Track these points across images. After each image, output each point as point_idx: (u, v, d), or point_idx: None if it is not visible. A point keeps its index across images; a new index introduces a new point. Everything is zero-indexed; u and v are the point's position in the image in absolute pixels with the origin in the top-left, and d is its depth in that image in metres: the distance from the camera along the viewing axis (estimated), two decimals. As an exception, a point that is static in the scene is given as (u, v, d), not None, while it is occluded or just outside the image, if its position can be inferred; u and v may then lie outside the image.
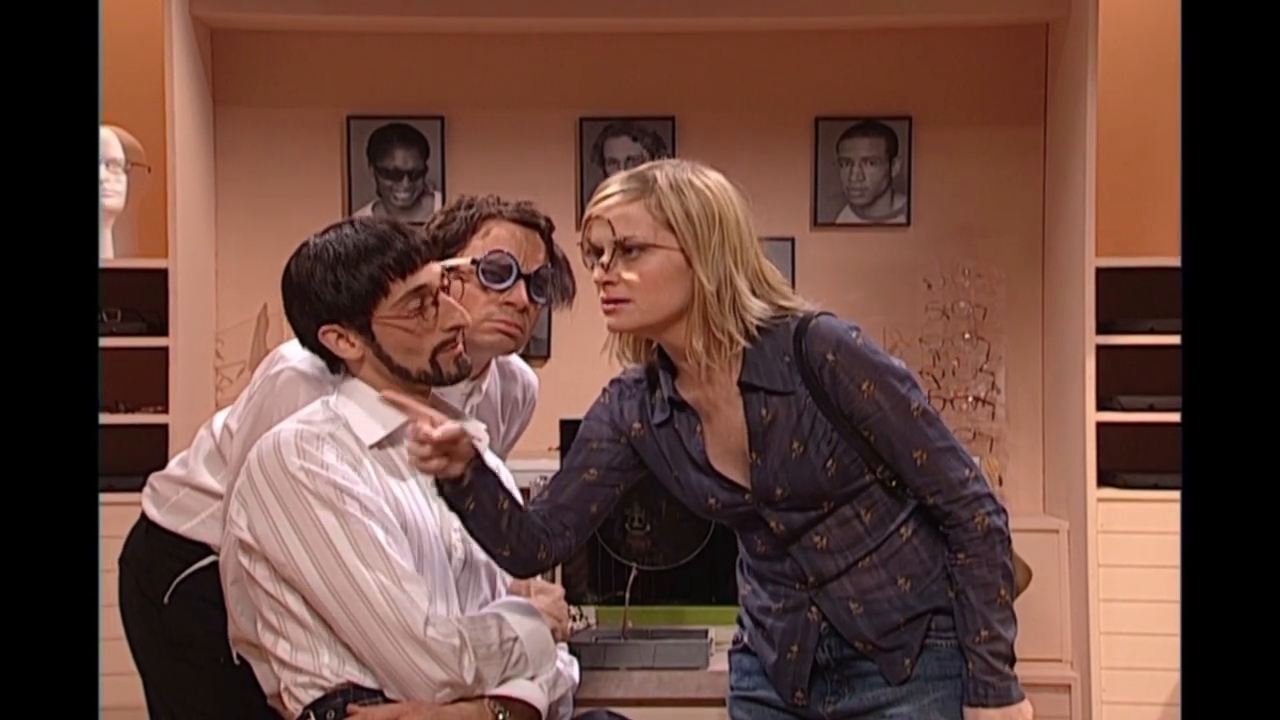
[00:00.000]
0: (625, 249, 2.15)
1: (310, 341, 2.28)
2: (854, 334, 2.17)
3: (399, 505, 2.20)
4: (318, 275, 2.21)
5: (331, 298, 2.21)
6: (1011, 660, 2.20)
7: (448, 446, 2.10)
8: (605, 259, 2.16)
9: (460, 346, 2.27)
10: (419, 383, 2.26)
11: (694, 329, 2.15)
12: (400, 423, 2.22)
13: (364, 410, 2.24)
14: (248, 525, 2.17)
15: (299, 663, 2.17)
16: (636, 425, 2.28)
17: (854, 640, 2.23)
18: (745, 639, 2.35)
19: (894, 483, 2.21)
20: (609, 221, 2.15)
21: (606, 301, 2.18)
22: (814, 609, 2.23)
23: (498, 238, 2.49)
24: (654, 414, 2.26)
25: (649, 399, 2.28)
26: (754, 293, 2.17)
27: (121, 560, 2.72)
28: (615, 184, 2.18)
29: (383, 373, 2.25)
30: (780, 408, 2.17)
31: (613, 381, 2.36)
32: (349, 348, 2.24)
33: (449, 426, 2.09)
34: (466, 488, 2.15)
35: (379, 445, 2.23)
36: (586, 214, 2.20)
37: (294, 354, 2.40)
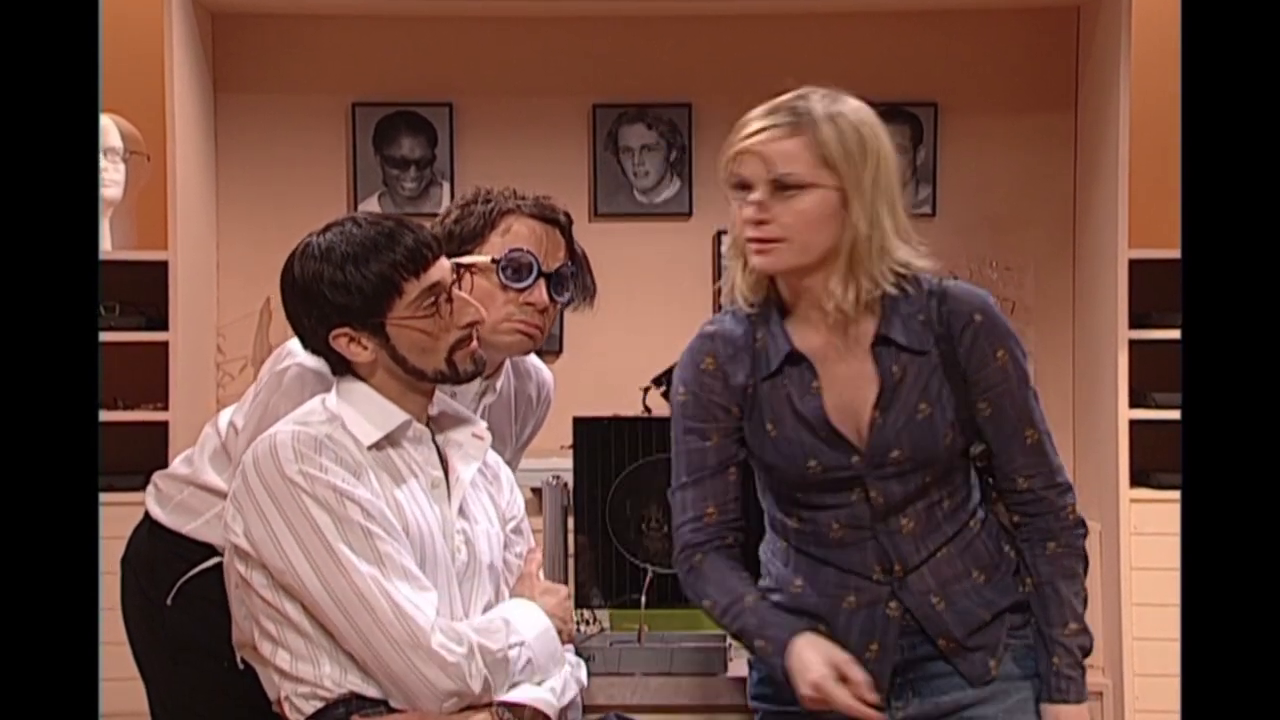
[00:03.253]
0: (782, 186, 2.06)
1: (318, 346, 2.21)
2: (991, 299, 2.16)
3: (400, 508, 2.14)
4: (326, 275, 2.14)
5: (342, 299, 2.14)
6: (1089, 654, 2.17)
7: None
8: (759, 195, 2.07)
9: (475, 343, 2.22)
10: (433, 382, 2.21)
11: (839, 272, 2.08)
12: (399, 423, 2.17)
13: (362, 411, 2.18)
14: (244, 531, 2.11)
15: (299, 673, 2.11)
16: (749, 380, 2.17)
17: (938, 637, 2.15)
18: None
19: (978, 466, 2.17)
20: (765, 156, 2.06)
21: (757, 240, 2.08)
22: (894, 603, 2.15)
23: (518, 234, 2.43)
24: (764, 366, 2.16)
25: (756, 349, 2.17)
26: (898, 236, 2.11)
27: (124, 560, 2.69)
28: (766, 116, 2.10)
29: (396, 375, 2.19)
30: (910, 366, 2.12)
31: (707, 337, 2.21)
32: (361, 350, 2.17)
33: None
34: None
35: (377, 446, 2.17)
36: (734, 147, 2.10)
37: (302, 349, 2.33)
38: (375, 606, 2.04)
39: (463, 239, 2.42)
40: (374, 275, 2.13)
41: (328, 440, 2.12)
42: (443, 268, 2.18)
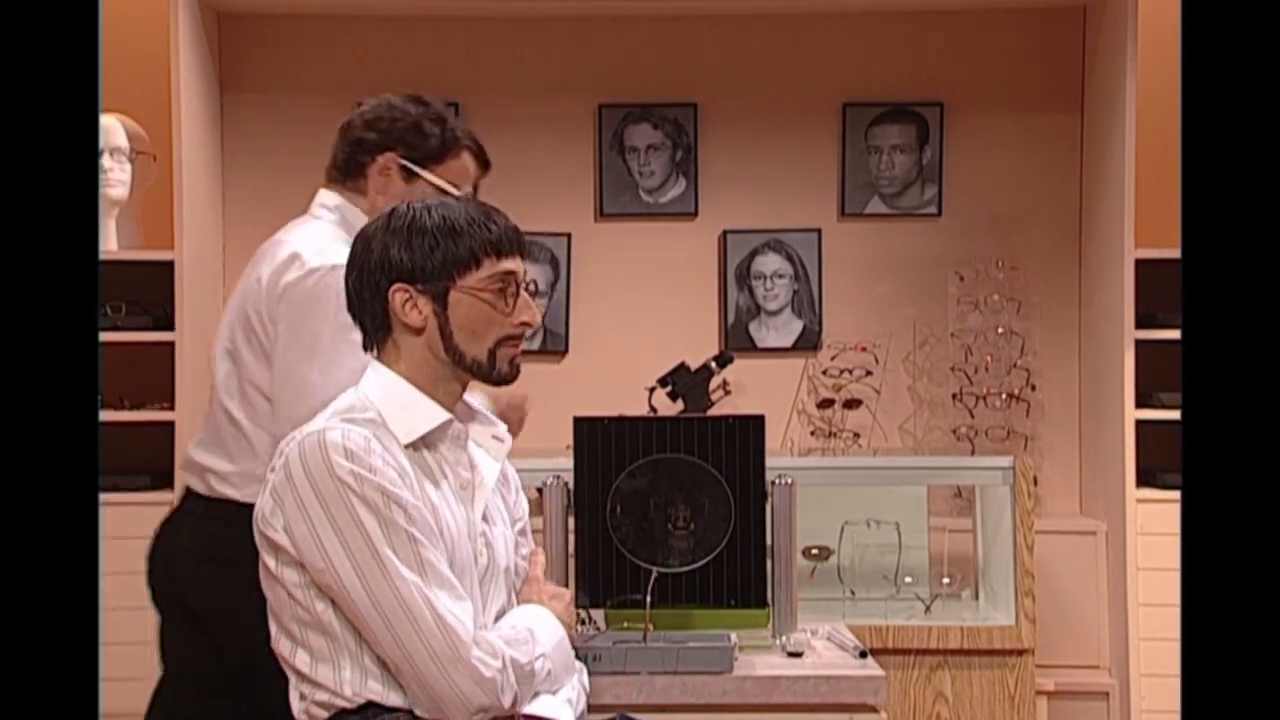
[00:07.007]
0: None
1: (373, 303, 2.16)
2: None
3: (436, 511, 2.12)
4: (410, 235, 2.14)
5: (413, 258, 2.13)
6: None
7: None
8: None
9: (520, 349, 2.20)
10: (467, 373, 2.18)
11: None
12: (439, 423, 2.15)
13: (400, 408, 2.15)
14: (284, 527, 2.07)
15: (318, 676, 2.09)
16: None
17: None
18: None
19: None
20: None
21: None
22: None
23: (466, 167, 2.62)
24: None
25: None
26: None
27: (207, 559, 2.59)
28: None
29: (435, 354, 2.15)
30: None
31: None
32: (414, 314, 2.14)
33: None
34: None
35: (413, 446, 2.14)
36: None
37: (311, 248, 2.50)
38: (417, 615, 2.02)
39: (424, 153, 2.61)
40: (463, 246, 2.13)
41: (374, 440, 2.08)
42: (519, 263, 2.18)
